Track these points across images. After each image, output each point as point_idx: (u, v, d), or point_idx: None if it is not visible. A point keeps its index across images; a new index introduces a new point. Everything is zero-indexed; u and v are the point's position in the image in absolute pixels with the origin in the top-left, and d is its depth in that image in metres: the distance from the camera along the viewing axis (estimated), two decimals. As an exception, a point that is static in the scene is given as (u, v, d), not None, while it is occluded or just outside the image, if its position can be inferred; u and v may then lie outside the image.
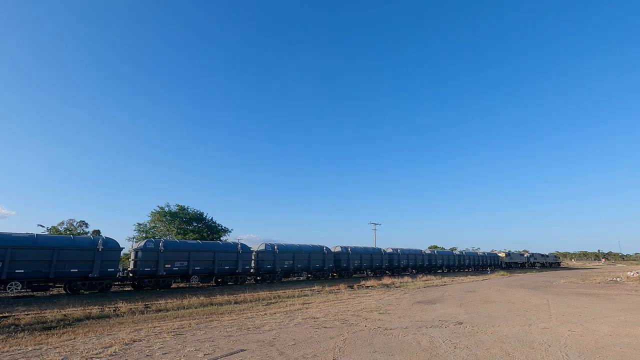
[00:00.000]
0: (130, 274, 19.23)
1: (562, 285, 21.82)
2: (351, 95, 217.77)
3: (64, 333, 7.96)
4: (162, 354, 6.17)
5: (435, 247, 77.05)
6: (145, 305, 12.51)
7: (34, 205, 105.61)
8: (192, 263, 20.48)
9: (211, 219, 42.19)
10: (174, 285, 20.96)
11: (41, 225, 39.09)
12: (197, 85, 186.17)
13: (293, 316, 10.24)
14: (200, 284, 21.32)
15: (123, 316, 10.40)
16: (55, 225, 39.77)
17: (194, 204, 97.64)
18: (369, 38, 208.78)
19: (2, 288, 15.04)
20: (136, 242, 36.44)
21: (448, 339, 7.46)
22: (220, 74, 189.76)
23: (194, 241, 22.85)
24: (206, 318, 9.95)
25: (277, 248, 25.58)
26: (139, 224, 38.85)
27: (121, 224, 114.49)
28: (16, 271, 15.24)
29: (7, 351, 6.37)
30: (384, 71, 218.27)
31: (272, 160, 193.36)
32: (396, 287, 20.08)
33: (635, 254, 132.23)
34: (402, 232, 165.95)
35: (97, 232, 40.64)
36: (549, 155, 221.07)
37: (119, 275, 19.07)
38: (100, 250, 17.29)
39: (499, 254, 54.43)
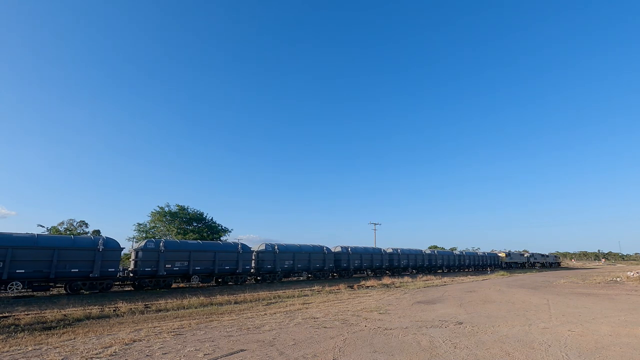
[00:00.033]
0: (131, 274, 19.24)
1: (562, 285, 21.82)
2: (351, 95, 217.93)
3: (64, 333, 7.97)
4: (162, 354, 6.17)
5: (435, 247, 77.05)
6: (145, 305, 12.51)
7: (34, 205, 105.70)
8: (192, 263, 20.49)
9: (211, 219, 42.22)
10: (174, 285, 20.96)
11: (41, 226, 39.12)
12: (197, 85, 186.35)
13: (293, 316, 10.24)
14: (201, 284, 21.33)
15: (123, 316, 10.40)
16: (55, 225, 39.78)
17: (194, 204, 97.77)
18: (369, 38, 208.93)
19: (3, 288, 15.06)
20: (136, 242, 36.46)
21: (448, 339, 7.46)
22: (220, 74, 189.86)
23: (195, 241, 22.87)
24: (206, 318, 9.95)
25: (278, 248, 25.58)
26: (139, 224, 38.88)
27: (121, 224, 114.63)
28: (17, 271, 15.25)
29: (7, 351, 6.37)
30: (384, 71, 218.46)
31: (272, 160, 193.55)
32: (396, 287, 20.08)
33: (635, 254, 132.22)
34: (402, 232, 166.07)
35: (97, 232, 40.65)
36: (549, 155, 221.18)
37: (120, 275, 19.08)
38: (100, 250, 17.30)
39: (499, 254, 54.42)
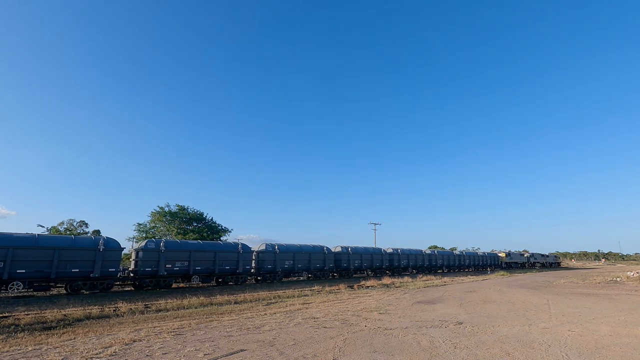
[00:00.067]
0: (132, 274, 19.24)
1: (562, 285, 21.82)
2: (351, 95, 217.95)
3: (64, 333, 7.97)
4: (162, 354, 6.17)
5: (435, 247, 77.06)
6: (145, 305, 12.51)
7: (34, 205, 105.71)
8: (193, 263, 20.50)
9: (211, 219, 42.24)
10: (174, 285, 20.96)
11: (41, 226, 39.14)
12: (197, 85, 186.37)
13: (293, 316, 10.24)
14: (201, 284, 21.33)
15: (123, 316, 10.41)
16: (55, 225, 39.80)
17: (194, 204, 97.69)
18: (369, 38, 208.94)
19: (3, 288, 15.07)
20: (136, 242, 36.49)
21: (448, 339, 7.47)
22: (220, 74, 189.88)
23: (195, 241, 22.87)
24: (206, 318, 9.95)
25: (278, 248, 25.58)
26: (139, 224, 38.91)
27: (121, 224, 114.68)
28: (18, 271, 15.26)
29: (7, 351, 6.37)
30: (384, 71, 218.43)
31: (272, 160, 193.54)
32: (396, 287, 20.08)
33: (635, 254, 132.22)
34: (402, 232, 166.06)
35: (97, 232, 40.66)
36: (549, 155, 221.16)
37: (120, 275, 19.09)
38: (101, 250, 17.31)
39: (499, 254, 54.42)
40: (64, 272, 16.29)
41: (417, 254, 39.47)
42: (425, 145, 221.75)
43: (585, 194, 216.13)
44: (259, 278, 24.60)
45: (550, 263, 65.89)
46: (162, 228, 38.78)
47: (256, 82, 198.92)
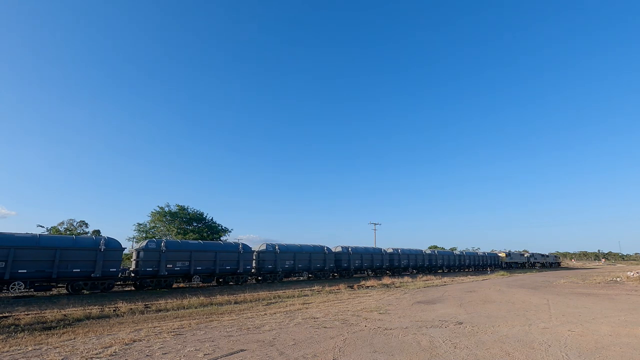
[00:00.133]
0: (132, 274, 19.25)
1: (562, 285, 21.82)
2: (351, 95, 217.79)
3: (64, 333, 7.97)
4: (162, 354, 6.18)
5: (435, 247, 77.07)
6: (145, 305, 12.52)
7: (34, 205, 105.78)
8: (193, 263, 20.50)
9: (211, 219, 42.26)
10: (175, 285, 20.97)
11: (41, 226, 39.19)
12: (197, 85, 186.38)
13: (293, 316, 10.24)
14: (202, 284, 21.34)
15: (123, 316, 10.41)
16: (56, 225, 39.85)
17: (194, 204, 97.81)
18: (369, 38, 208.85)
19: (5, 288, 15.09)
20: (136, 242, 36.52)
21: (448, 339, 7.47)
22: (220, 74, 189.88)
23: (196, 241, 22.88)
24: (206, 318, 9.96)
25: (279, 248, 25.59)
26: (139, 224, 38.94)
27: (121, 224, 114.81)
28: (19, 271, 15.27)
29: (7, 351, 6.38)
30: (384, 71, 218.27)
31: (272, 160, 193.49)
32: (396, 287, 20.08)
33: (635, 254, 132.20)
34: (402, 232, 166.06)
35: (97, 232, 40.70)
36: (549, 155, 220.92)
37: (121, 275, 19.10)
38: (102, 250, 17.32)
39: (499, 254, 54.40)
40: (65, 272, 16.30)
41: (417, 254, 39.46)
42: (425, 145, 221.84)
43: (585, 194, 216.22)
44: (259, 278, 24.60)
45: (550, 263, 65.88)
46: (162, 228, 38.80)
47: (256, 82, 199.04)
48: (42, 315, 10.40)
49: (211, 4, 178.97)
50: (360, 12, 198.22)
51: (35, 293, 16.35)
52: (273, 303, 13.40)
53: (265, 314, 10.62)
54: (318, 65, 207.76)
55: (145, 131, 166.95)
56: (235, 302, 13.55)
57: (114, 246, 18.04)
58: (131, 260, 21.30)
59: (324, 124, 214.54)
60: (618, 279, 26.25)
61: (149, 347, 6.63)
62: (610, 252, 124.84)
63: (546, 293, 17.30)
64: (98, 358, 5.89)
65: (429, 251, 42.15)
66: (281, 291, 17.09)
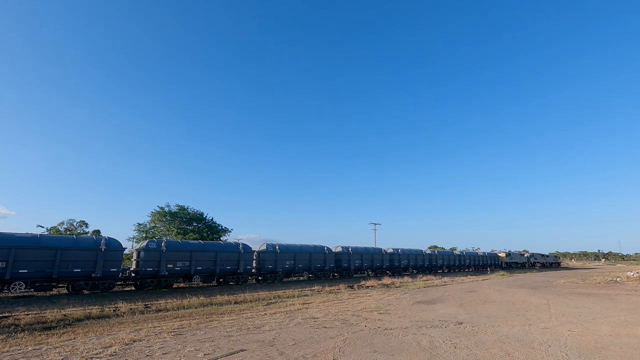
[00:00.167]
0: (133, 274, 19.26)
1: (562, 285, 21.82)
2: (351, 95, 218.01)
3: (64, 333, 7.98)
4: (162, 354, 6.18)
5: (435, 247, 77.06)
6: (145, 305, 12.52)
7: (34, 205, 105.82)
8: (194, 263, 20.51)
9: (211, 219, 42.25)
10: (175, 285, 20.97)
11: (40, 226, 39.21)
12: (197, 85, 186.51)
13: (293, 316, 10.25)
14: (202, 284, 21.34)
15: (123, 316, 10.41)
16: (56, 225, 39.85)
17: (194, 204, 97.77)
18: (369, 38, 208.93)
19: (5, 288, 15.10)
20: (136, 242, 36.53)
21: (448, 339, 7.47)
22: (220, 74, 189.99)
23: (196, 241, 22.88)
24: (206, 318, 9.96)
25: (279, 248, 25.59)
26: (139, 224, 38.93)
27: (121, 224, 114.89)
28: (20, 271, 15.28)
29: (7, 351, 6.38)
30: (384, 71, 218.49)
31: (272, 160, 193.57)
32: (396, 287, 20.08)
33: (635, 254, 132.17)
34: (402, 232, 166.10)
35: (97, 232, 40.71)
36: (549, 155, 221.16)
37: (122, 275, 19.10)
38: (102, 250, 17.32)
39: (499, 254, 54.39)
40: (65, 272, 16.31)
41: (417, 254, 39.46)
42: (425, 145, 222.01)
43: (585, 194, 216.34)
44: (259, 278, 24.60)
45: (550, 263, 65.85)
46: (162, 228, 38.80)
47: (256, 82, 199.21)
48: (42, 315, 10.40)
49: (211, 4, 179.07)
50: (360, 12, 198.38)
51: (35, 293, 16.35)
52: (273, 303, 13.39)
53: (265, 314, 10.62)
54: (318, 65, 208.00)
55: (145, 131, 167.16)
56: (235, 302, 13.55)
57: (114, 246, 18.05)
58: (131, 260, 21.29)
59: (324, 124, 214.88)
60: (618, 279, 26.25)
61: (149, 347, 6.63)
62: (610, 252, 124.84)
63: (546, 293, 17.29)
64: (98, 358, 5.90)
65: (429, 251, 42.14)
66: (281, 291, 17.09)
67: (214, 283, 22.09)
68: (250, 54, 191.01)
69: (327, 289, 18.63)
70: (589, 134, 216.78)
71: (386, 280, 23.36)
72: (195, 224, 40.59)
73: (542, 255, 65.24)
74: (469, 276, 32.25)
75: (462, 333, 8.08)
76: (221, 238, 40.80)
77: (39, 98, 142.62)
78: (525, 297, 15.40)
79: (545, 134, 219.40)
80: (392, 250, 36.67)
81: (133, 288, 19.51)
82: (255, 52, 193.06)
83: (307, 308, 11.95)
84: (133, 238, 38.28)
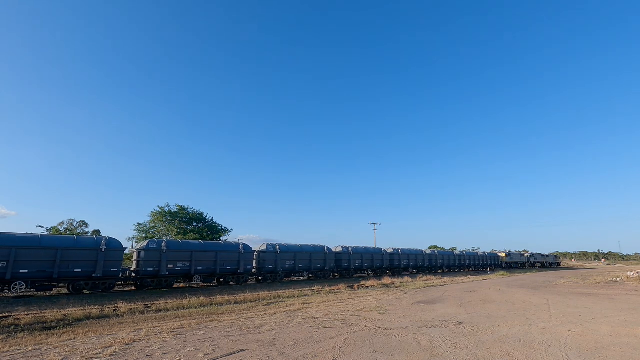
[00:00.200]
0: (133, 274, 19.27)
1: (562, 285, 21.81)
2: (351, 95, 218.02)
3: (64, 333, 7.98)
4: (162, 354, 6.18)
5: (436, 247, 77.06)
6: (145, 305, 12.52)
7: (34, 205, 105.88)
8: (194, 263, 20.51)
9: (211, 219, 42.25)
10: (175, 285, 20.98)
11: (40, 226, 39.25)
12: (197, 85, 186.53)
13: (293, 316, 10.25)
14: (202, 284, 21.35)
15: (123, 316, 10.41)
16: (56, 225, 39.86)
17: (194, 204, 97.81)
18: (369, 38, 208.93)
19: (7, 288, 15.11)
20: (136, 242, 36.53)
21: (448, 339, 7.47)
22: (220, 74, 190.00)
23: (197, 241, 22.88)
24: (206, 318, 9.96)
25: (279, 248, 25.59)
26: (139, 224, 38.95)
27: (121, 224, 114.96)
28: (20, 271, 15.29)
29: (7, 351, 6.38)
30: (384, 71, 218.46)
31: (272, 160, 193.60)
32: (396, 287, 20.08)
33: (635, 254, 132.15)
34: (402, 232, 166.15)
35: (97, 232, 40.72)
36: (549, 155, 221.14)
37: (122, 275, 19.11)
38: (103, 250, 17.33)
39: (499, 254, 54.39)
40: (66, 272, 16.32)
41: (418, 254, 39.46)
42: (425, 145, 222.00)
43: (585, 194, 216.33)
44: (260, 278, 24.61)
45: (550, 263, 65.84)
46: (162, 228, 38.81)
47: (256, 82, 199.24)
48: (42, 315, 10.41)
49: (211, 4, 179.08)
50: (360, 12, 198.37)
51: (35, 293, 16.36)
52: (273, 303, 13.40)
53: (265, 314, 10.62)
54: (318, 65, 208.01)
55: (145, 131, 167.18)
56: (235, 302, 13.55)
57: (115, 246, 18.05)
58: (132, 260, 21.29)
59: (324, 124, 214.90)
60: (618, 279, 26.24)
61: (149, 347, 6.63)
62: (610, 252, 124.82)
63: (546, 293, 17.29)
64: (98, 358, 5.90)
65: (429, 251, 42.13)
66: (281, 291, 17.09)
67: (214, 283, 22.10)
68: (250, 54, 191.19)
69: (327, 289, 18.63)
70: (589, 134, 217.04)
71: (386, 280, 23.36)
72: (195, 224, 40.60)
73: (542, 255, 65.23)
74: (469, 276, 32.24)
75: (462, 333, 8.08)
76: (221, 238, 40.80)
77: (39, 98, 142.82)
78: (525, 297, 15.40)
79: (545, 134, 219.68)
80: (392, 250, 36.66)
81: (133, 288, 19.51)
82: (255, 52, 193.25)
83: (307, 308, 11.96)
84: (133, 238, 38.31)
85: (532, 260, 60.70)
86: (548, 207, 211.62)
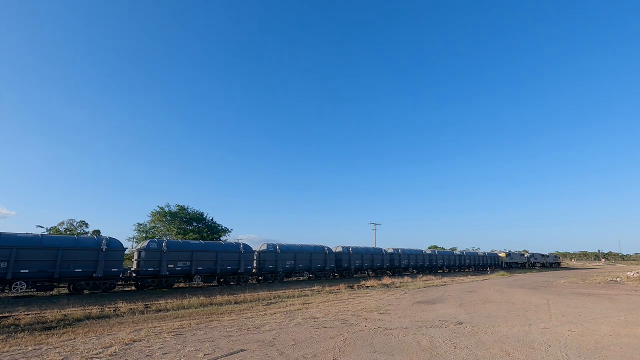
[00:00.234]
0: (134, 274, 19.27)
1: (562, 285, 21.81)
2: (351, 95, 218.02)
3: (64, 333, 7.98)
4: (162, 354, 6.18)
5: (436, 247, 77.04)
6: (145, 305, 12.53)
7: (34, 205, 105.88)
8: (194, 263, 20.51)
9: (211, 219, 42.25)
10: (175, 285, 20.98)
11: (40, 226, 39.25)
12: (197, 85, 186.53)
13: (293, 316, 10.25)
14: (203, 284, 21.35)
15: (123, 316, 10.42)
16: (56, 225, 39.86)
17: (194, 204, 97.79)
18: (369, 38, 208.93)
19: (7, 288, 15.12)
20: (136, 242, 36.54)
21: (448, 339, 7.47)
22: (220, 74, 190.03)
23: (197, 241, 22.88)
24: (206, 318, 9.96)
25: (279, 248, 25.59)
26: (139, 224, 38.95)
27: (121, 224, 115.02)
28: (21, 271, 15.29)
29: (7, 351, 6.38)
30: (384, 71, 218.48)
31: (272, 160, 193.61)
32: (396, 287, 20.08)
33: (635, 254, 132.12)
34: (402, 232, 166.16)
35: (97, 232, 40.73)
36: (549, 155, 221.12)
37: (123, 275, 19.11)
38: (104, 250, 17.34)
39: (499, 254, 54.38)
40: (67, 272, 16.33)
41: (418, 254, 39.46)
42: (425, 145, 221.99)
43: (585, 194, 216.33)
44: (260, 278, 24.61)
45: (550, 263, 65.83)
46: (162, 228, 38.81)
47: (256, 82, 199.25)
48: (42, 315, 10.41)
49: (211, 4, 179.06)
50: (360, 12, 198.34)
51: (35, 293, 16.36)
52: (273, 303, 13.40)
53: (265, 314, 10.62)
54: (318, 65, 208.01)
55: (145, 131, 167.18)
56: (235, 302, 13.55)
57: (115, 246, 18.06)
58: (132, 260, 21.31)
59: (324, 124, 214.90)
60: (618, 279, 26.24)
61: (149, 347, 6.63)
62: (610, 252, 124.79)
63: (546, 293, 17.29)
64: (98, 358, 5.90)
65: (429, 251, 42.13)
66: (281, 291, 17.09)
67: (215, 283, 22.10)
68: (250, 54, 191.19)
69: (327, 289, 18.63)
70: (589, 134, 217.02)
71: (386, 280, 23.36)
72: (195, 224, 40.60)
73: (542, 255, 65.22)
74: (469, 276, 32.24)
75: (462, 333, 8.08)
76: (221, 238, 40.81)
77: (39, 98, 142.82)
78: (525, 297, 15.40)
79: (545, 134, 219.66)
80: (392, 250, 36.66)
81: (134, 288, 19.52)
82: (255, 52, 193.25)
83: (307, 308, 11.96)
84: (133, 238, 38.32)
85: (532, 260, 60.69)
86: (548, 207, 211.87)
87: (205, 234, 39.35)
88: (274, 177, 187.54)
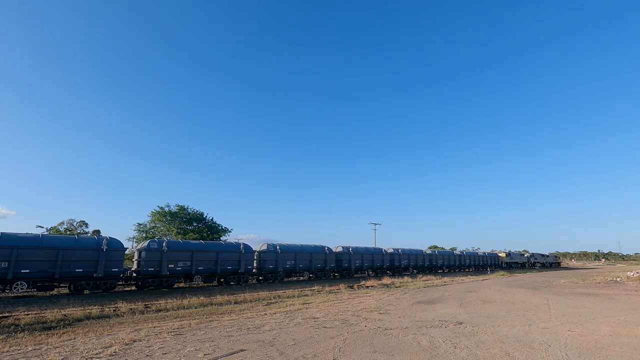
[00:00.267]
0: (134, 274, 19.28)
1: (562, 285, 21.81)
2: (351, 95, 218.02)
3: (64, 333, 7.98)
4: (162, 354, 6.18)
5: (436, 247, 77.03)
6: (145, 305, 12.53)
7: (34, 205, 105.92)
8: (195, 263, 20.52)
9: (211, 219, 42.26)
10: (175, 285, 20.99)
11: (40, 226, 39.25)
12: (197, 85, 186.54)
13: (293, 316, 10.25)
14: (203, 284, 21.35)
15: (123, 316, 10.42)
16: (56, 225, 39.87)
17: (194, 204, 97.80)
18: (369, 38, 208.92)
19: (8, 288, 15.13)
20: (136, 242, 36.54)
21: (448, 339, 7.47)
22: (220, 74, 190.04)
23: (197, 241, 22.89)
24: (206, 318, 9.97)
25: (280, 248, 25.59)
26: (139, 224, 38.96)
27: (121, 224, 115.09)
28: (22, 271, 15.30)
29: (7, 351, 6.39)
30: (384, 71, 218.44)
31: (272, 160, 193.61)
32: (396, 287, 20.08)
33: (635, 254, 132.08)
34: (402, 232, 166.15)
35: (97, 232, 40.74)
36: (549, 155, 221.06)
37: (123, 275, 19.11)
38: (104, 250, 17.35)
39: (499, 254, 54.37)
40: (67, 272, 16.33)
41: (418, 254, 39.46)
42: (425, 145, 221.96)
43: (585, 194, 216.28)
44: (260, 278, 24.61)
45: (550, 263, 65.82)
46: (162, 228, 38.82)
47: (256, 82, 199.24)
48: (42, 315, 10.41)
49: (211, 4, 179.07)
50: (360, 12, 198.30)
51: (35, 293, 16.37)
52: (273, 303, 13.40)
53: (266, 314, 10.62)
54: (318, 65, 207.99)
55: (145, 131, 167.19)
56: (236, 302, 13.56)
57: (116, 246, 18.07)
58: (132, 260, 21.32)
59: (324, 124, 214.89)
60: (618, 279, 26.24)
61: (149, 347, 6.63)
62: (610, 252, 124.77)
63: (546, 293, 17.29)
64: (98, 358, 5.90)
65: (429, 251, 42.13)
66: (281, 291, 17.09)
67: (215, 283, 22.10)
68: (250, 54, 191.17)
69: (327, 289, 18.63)
70: (589, 134, 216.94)
71: (386, 280, 23.36)
72: (195, 224, 40.61)
73: (542, 255, 65.21)
74: (469, 276, 32.24)
75: (462, 333, 8.08)
76: (221, 238, 40.82)
77: (39, 98, 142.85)
78: (525, 297, 15.40)
79: (545, 134, 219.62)
80: (392, 250, 36.66)
81: (134, 288, 19.52)
82: (255, 52, 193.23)
83: (307, 308, 11.96)
84: (133, 238, 38.33)
85: (532, 260, 60.68)
86: (548, 207, 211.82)
87: (205, 234, 39.35)
88: (274, 177, 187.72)
